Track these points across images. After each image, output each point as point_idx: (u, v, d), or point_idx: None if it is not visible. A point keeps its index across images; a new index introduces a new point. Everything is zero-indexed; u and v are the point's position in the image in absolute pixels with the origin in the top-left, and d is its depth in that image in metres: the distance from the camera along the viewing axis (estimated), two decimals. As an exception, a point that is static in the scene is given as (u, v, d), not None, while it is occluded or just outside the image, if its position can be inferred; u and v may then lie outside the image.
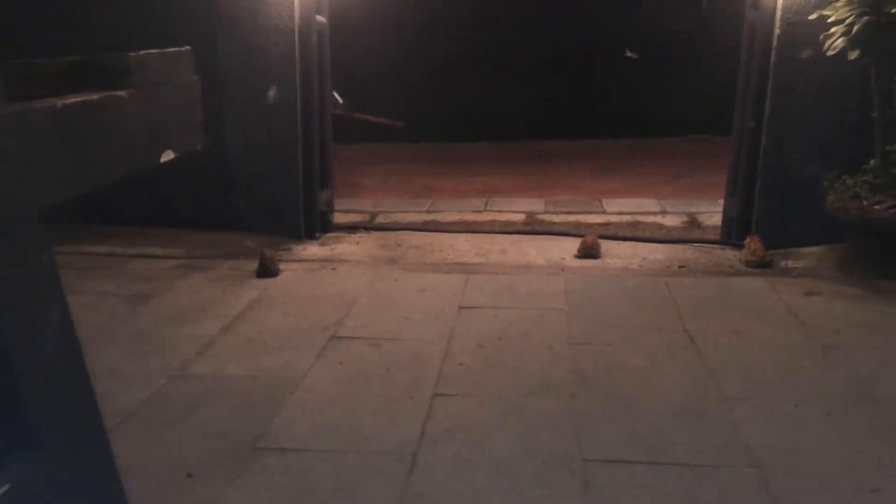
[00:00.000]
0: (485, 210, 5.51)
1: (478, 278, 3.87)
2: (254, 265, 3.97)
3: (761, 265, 3.98)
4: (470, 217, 5.28)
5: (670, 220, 5.09)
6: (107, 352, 2.98)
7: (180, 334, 3.17)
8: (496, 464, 2.23)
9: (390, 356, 2.96)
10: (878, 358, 2.87)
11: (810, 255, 4.07)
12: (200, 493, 2.12)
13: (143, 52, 2.06)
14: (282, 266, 4.04)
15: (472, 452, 2.29)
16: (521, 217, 5.26)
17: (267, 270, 3.90)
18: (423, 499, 2.07)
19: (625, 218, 5.19)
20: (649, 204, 5.57)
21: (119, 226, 4.61)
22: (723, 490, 2.09)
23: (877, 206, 3.65)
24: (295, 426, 2.44)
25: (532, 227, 5.00)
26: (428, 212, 5.47)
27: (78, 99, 1.31)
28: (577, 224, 5.05)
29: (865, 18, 3.53)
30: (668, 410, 2.50)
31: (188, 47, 2.25)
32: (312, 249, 4.41)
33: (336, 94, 6.98)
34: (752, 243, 4.06)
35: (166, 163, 2.79)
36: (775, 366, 2.82)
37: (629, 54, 7.24)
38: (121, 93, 1.84)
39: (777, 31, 4.00)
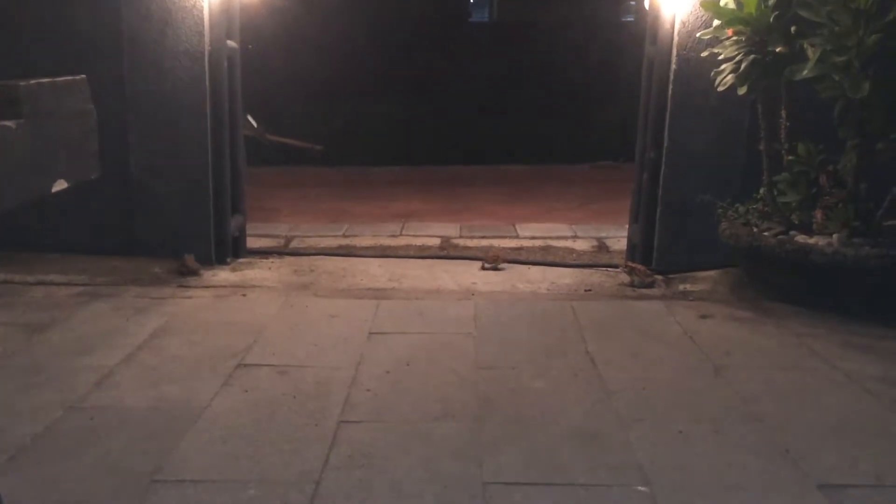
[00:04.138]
0: (400, 234, 5.55)
1: (389, 304, 3.90)
2: (160, 292, 3.91)
3: (644, 285, 4.21)
4: (385, 241, 5.32)
5: (580, 245, 5.24)
6: (-1, 384, 2.88)
7: (79, 365, 3.08)
8: (399, 489, 2.26)
9: (297, 384, 2.95)
10: (763, 377, 3.04)
11: (706, 279, 4.28)
12: (94, 529, 2.07)
13: (34, 80, 2.03)
14: (190, 293, 3.98)
15: (375, 479, 2.31)
16: (436, 241, 5.33)
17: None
18: (323, 527, 2.08)
19: (537, 242, 5.32)
20: (561, 229, 5.73)
21: (15, 251, 4.43)
22: (615, 509, 2.17)
23: (765, 233, 3.88)
24: (195, 457, 2.41)
25: (447, 252, 5.07)
26: (343, 236, 5.48)
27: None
28: (491, 248, 5.15)
29: (752, 57, 3.76)
30: (567, 432, 2.59)
31: (83, 76, 2.23)
32: (223, 275, 4.35)
33: (250, 118, 6.95)
34: (637, 269, 4.32)
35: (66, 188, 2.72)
36: (669, 386, 2.95)
37: None
38: (9, 123, 1.81)
39: (674, 66, 4.22)
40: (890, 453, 2.48)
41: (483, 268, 4.60)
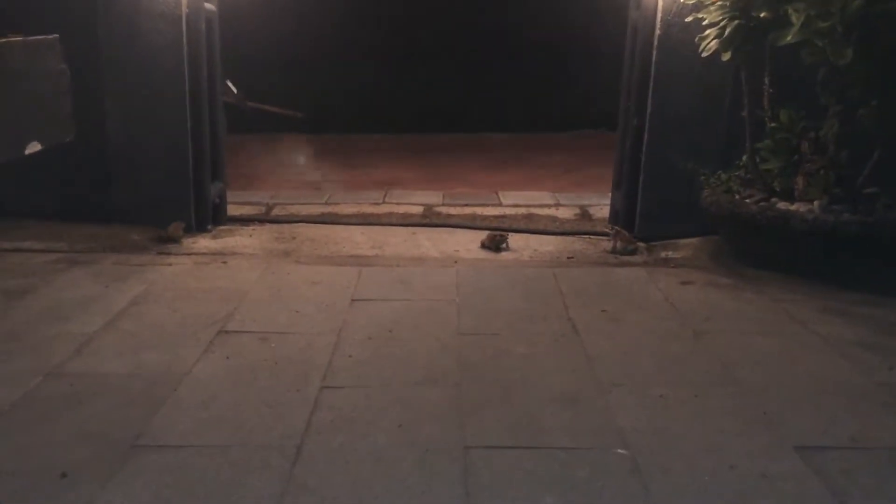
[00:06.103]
0: (383, 202, 5.52)
1: (372, 271, 3.89)
2: (140, 259, 3.87)
3: (627, 252, 4.21)
4: (368, 209, 5.29)
5: (563, 213, 5.25)
6: (-24, 351, 2.84)
7: (58, 331, 3.05)
8: (380, 453, 2.27)
9: (279, 350, 2.94)
10: (742, 342, 3.07)
11: (687, 246, 4.29)
12: (75, 493, 2.06)
13: (3, 39, 1.97)
14: (170, 260, 3.95)
15: (356, 443, 2.32)
16: (418, 209, 5.31)
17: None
18: (305, 490, 2.09)
19: (520, 210, 5.32)
20: (544, 197, 5.73)
21: (-10, 218, 4.38)
22: (595, 470, 2.19)
23: (747, 200, 3.89)
24: (176, 423, 2.40)
25: (430, 220, 5.05)
26: (326, 204, 5.44)
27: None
28: (474, 216, 5.14)
29: (736, 22, 3.74)
30: (548, 397, 2.60)
31: (56, 35, 2.17)
32: (203, 243, 4.31)
33: (230, 84, 6.83)
34: (621, 233, 4.33)
35: (42, 153, 2.68)
36: (649, 351, 2.97)
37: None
38: (-23, 81, 1.76)
39: (658, 32, 4.18)
40: (865, 415, 2.52)
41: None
